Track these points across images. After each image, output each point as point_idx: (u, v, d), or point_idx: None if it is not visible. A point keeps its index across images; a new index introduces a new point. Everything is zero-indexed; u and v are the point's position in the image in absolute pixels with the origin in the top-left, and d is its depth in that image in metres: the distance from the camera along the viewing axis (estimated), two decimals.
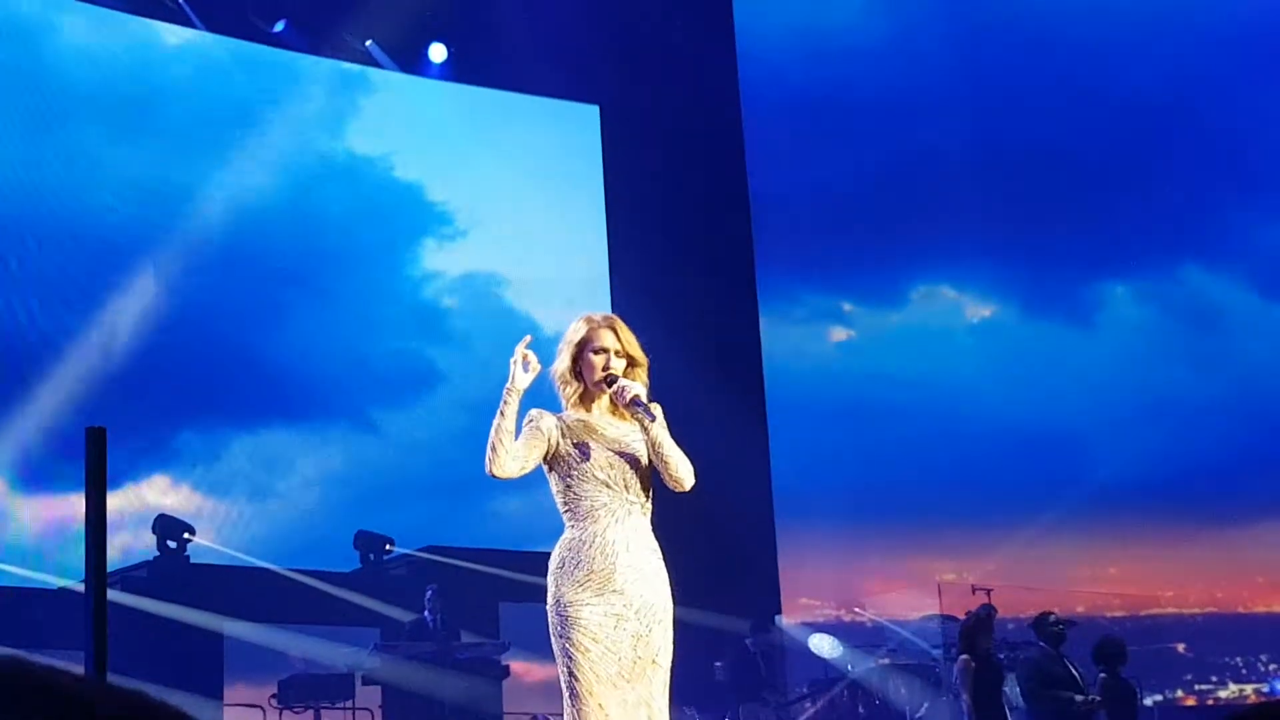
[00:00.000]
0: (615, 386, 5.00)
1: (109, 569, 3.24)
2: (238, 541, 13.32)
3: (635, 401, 4.95)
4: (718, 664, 13.13)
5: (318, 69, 14.66)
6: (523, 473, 4.95)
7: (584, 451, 4.95)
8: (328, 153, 14.72)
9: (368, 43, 14.64)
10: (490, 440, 4.90)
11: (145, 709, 0.90)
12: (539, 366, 4.99)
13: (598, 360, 5.04)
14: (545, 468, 5.03)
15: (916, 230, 16.53)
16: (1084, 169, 16.70)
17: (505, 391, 4.93)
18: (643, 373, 5.11)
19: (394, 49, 14.79)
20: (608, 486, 4.92)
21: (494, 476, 4.93)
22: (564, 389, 5.11)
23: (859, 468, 16.13)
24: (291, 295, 14.50)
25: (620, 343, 5.08)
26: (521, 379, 4.94)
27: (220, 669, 12.43)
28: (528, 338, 5.02)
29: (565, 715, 4.81)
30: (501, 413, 4.90)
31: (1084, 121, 16.62)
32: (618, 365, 5.05)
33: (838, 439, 16.36)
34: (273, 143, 14.14)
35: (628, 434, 5.04)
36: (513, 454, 4.89)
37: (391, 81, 15.01)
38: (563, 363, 5.10)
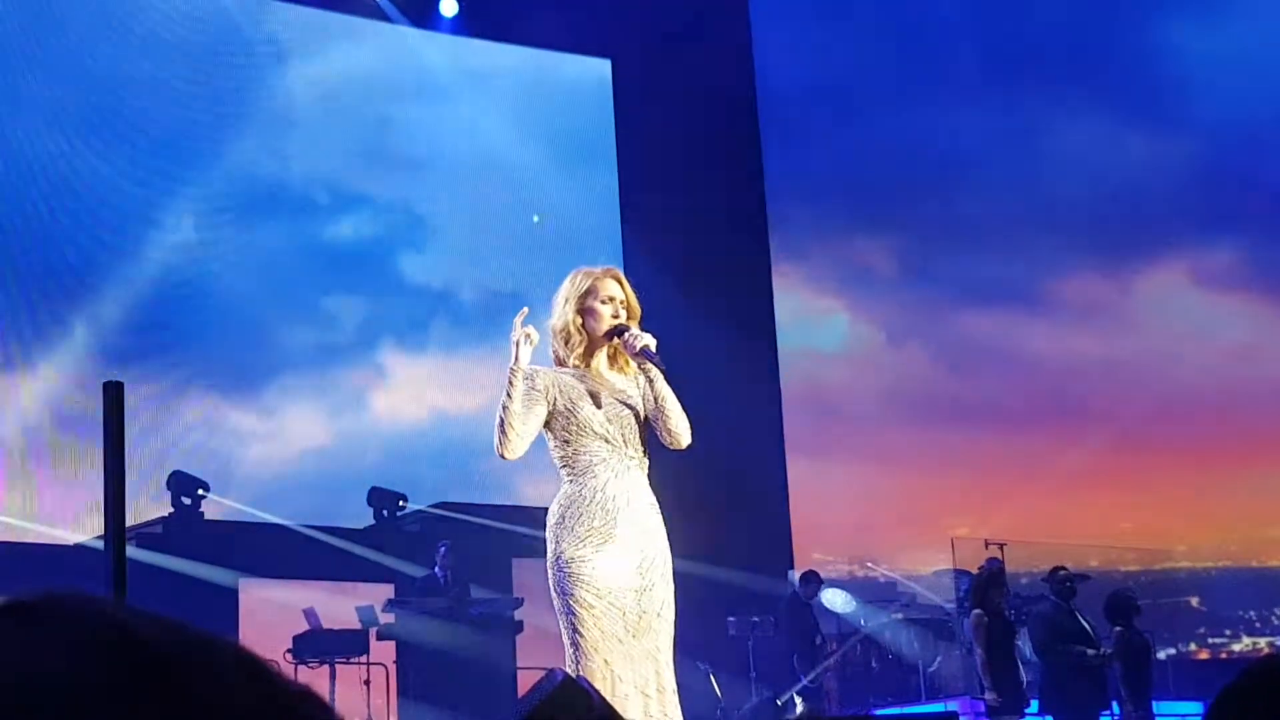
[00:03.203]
0: (625, 336, 4.91)
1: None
2: (251, 498, 13.36)
3: (645, 351, 4.87)
4: (730, 618, 13.15)
5: (325, 21, 14.59)
6: (530, 442, 4.91)
7: (582, 406, 4.86)
8: (333, 107, 14.66)
9: None
10: (500, 422, 4.80)
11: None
12: (538, 338, 4.87)
13: (605, 310, 4.94)
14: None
15: (929, 193, 16.46)
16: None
17: (510, 373, 4.79)
18: (636, 324, 5.01)
19: (404, 3, 14.73)
20: (606, 441, 4.84)
21: (504, 458, 4.85)
22: (565, 344, 4.99)
23: (871, 423, 16.14)
24: (293, 249, 14.49)
25: (624, 292, 5.02)
26: (525, 357, 4.81)
27: (235, 624, 12.47)
28: (524, 310, 4.87)
29: (569, 672, 4.76)
30: (509, 395, 4.78)
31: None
32: (623, 315, 4.98)
33: (850, 394, 16.37)
34: (276, 94, 14.11)
35: (627, 388, 4.96)
36: (522, 435, 4.81)
37: (402, 35, 14.94)
38: (565, 316, 4.98)
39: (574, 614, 4.73)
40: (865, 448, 16.18)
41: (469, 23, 15.10)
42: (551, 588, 4.82)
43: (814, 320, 16.79)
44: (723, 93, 15.74)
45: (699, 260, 14.85)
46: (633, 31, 15.30)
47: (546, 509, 4.97)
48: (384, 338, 14.75)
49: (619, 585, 4.74)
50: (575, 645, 4.73)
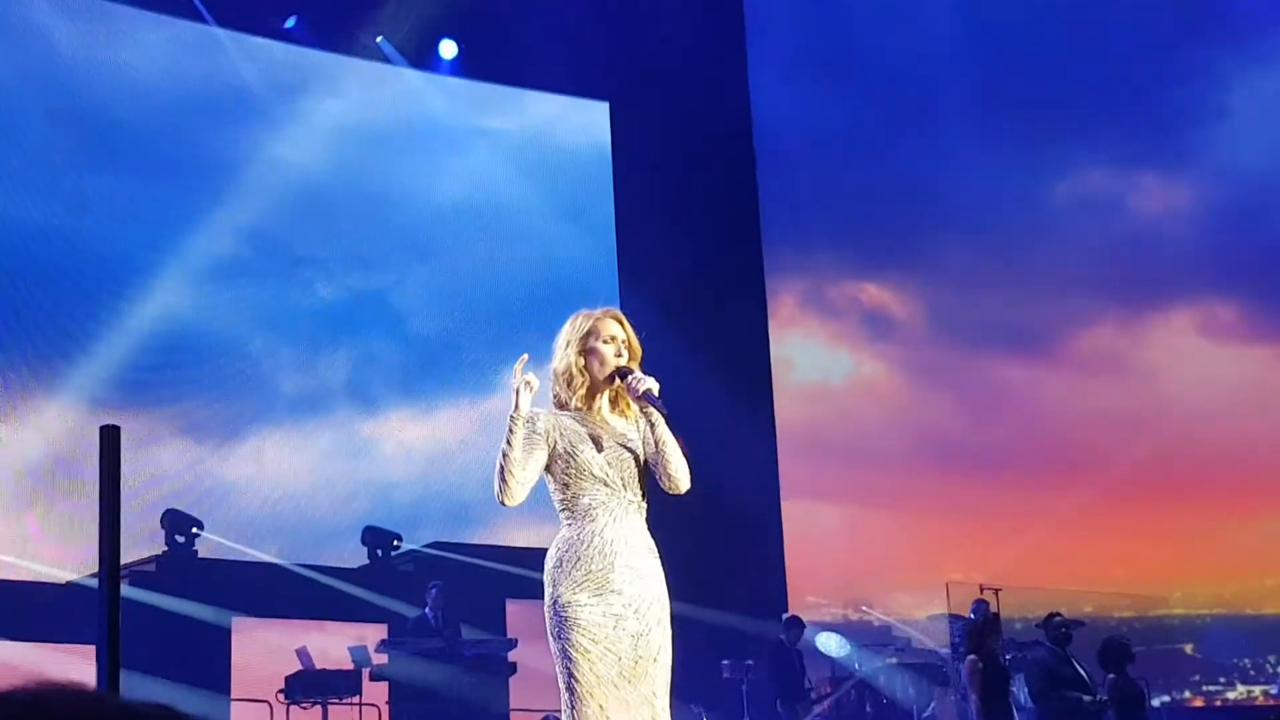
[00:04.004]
0: (629, 379, 4.89)
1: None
2: (245, 536, 13.34)
3: (648, 395, 4.85)
4: (725, 662, 13.12)
5: (323, 62, 14.65)
6: (530, 488, 4.89)
7: (582, 449, 4.84)
8: (334, 148, 14.68)
9: (378, 39, 14.65)
10: (501, 470, 4.78)
11: None
12: (538, 385, 4.84)
13: (607, 350, 4.92)
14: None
15: (929, 236, 16.51)
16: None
17: (510, 420, 4.77)
18: (637, 365, 4.98)
19: (405, 45, 14.80)
20: (606, 485, 4.82)
21: (504, 505, 4.83)
22: (566, 385, 4.96)
23: (867, 467, 16.14)
24: (290, 295, 14.51)
25: (625, 332, 5.01)
26: (526, 404, 4.78)
27: (228, 663, 12.44)
28: (524, 357, 4.83)
29: (564, 717, 4.72)
30: (509, 442, 4.76)
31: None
32: (625, 354, 4.97)
33: (846, 438, 16.38)
34: (278, 137, 14.16)
35: (627, 431, 4.94)
36: (522, 482, 4.79)
37: (398, 79, 15.00)
38: (566, 358, 4.95)
39: (570, 658, 4.71)
40: (861, 492, 16.18)
41: (468, 65, 15.18)
42: (548, 631, 4.80)
43: (810, 364, 16.81)
44: (720, 135, 15.82)
45: (695, 303, 14.88)
46: (631, 74, 15.38)
47: (541, 550, 4.96)
48: (380, 381, 14.73)
49: (616, 630, 4.73)
50: (570, 690, 4.71)
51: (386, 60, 14.78)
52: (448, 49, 15.02)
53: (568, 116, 15.86)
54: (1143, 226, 16.80)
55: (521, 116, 15.64)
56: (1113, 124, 16.62)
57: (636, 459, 4.89)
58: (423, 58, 15.00)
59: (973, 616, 12.79)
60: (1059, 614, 10.66)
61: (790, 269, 16.60)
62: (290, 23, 14.25)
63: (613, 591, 4.74)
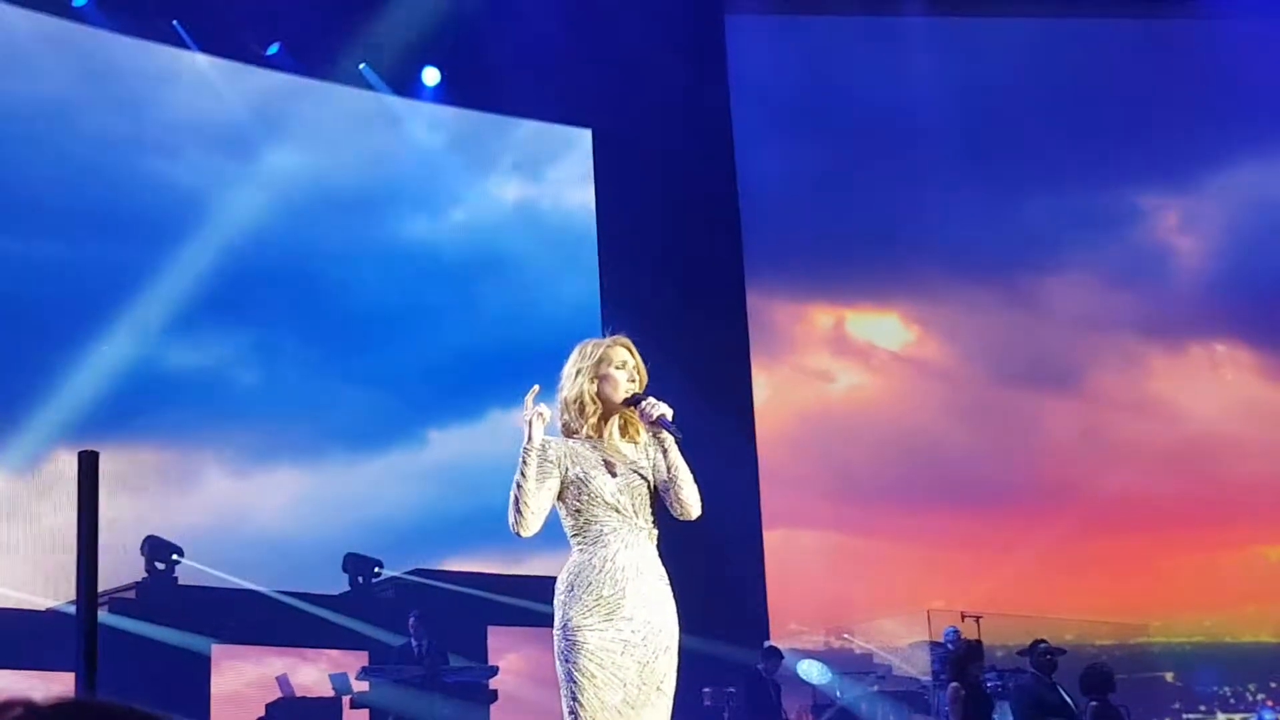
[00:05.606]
0: (642, 405, 4.90)
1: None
2: (226, 563, 13.29)
3: (661, 420, 4.87)
4: (705, 689, 13.10)
5: (306, 91, 14.64)
6: (545, 518, 4.88)
7: (595, 476, 4.85)
8: (316, 175, 14.67)
9: (361, 66, 14.64)
10: (515, 501, 4.78)
11: None
12: (550, 416, 4.87)
13: (620, 375, 4.96)
14: None
15: (909, 266, 16.53)
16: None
17: (524, 452, 4.78)
18: (642, 391, 5.02)
19: (387, 72, 14.80)
20: (617, 511, 4.84)
21: (520, 537, 4.83)
22: (579, 413, 4.96)
23: (849, 496, 16.15)
24: (271, 325, 14.48)
25: (635, 359, 5.04)
26: (539, 436, 4.80)
27: (207, 691, 12.39)
28: (535, 389, 4.83)
29: None
30: (523, 474, 4.77)
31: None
32: (637, 380, 5.00)
33: (829, 466, 16.39)
34: (261, 164, 14.14)
35: (638, 458, 4.95)
36: (536, 513, 4.80)
37: (383, 104, 15.00)
38: (579, 386, 4.96)
39: (575, 683, 4.71)
40: (842, 519, 16.18)
41: (451, 92, 15.19)
42: (555, 655, 4.80)
43: (792, 393, 16.81)
44: (703, 162, 15.82)
45: (677, 330, 14.86)
46: (614, 102, 15.38)
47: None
48: (360, 409, 14.71)
49: (623, 655, 4.73)
50: (574, 714, 4.71)
51: (370, 87, 14.77)
52: (430, 76, 15.02)
53: (550, 146, 15.85)
54: (1139, 257, 16.83)
55: (503, 146, 15.64)
56: (1112, 157, 16.60)
57: (648, 485, 4.92)
58: (406, 85, 15.00)
59: (946, 643, 12.81)
60: (1044, 641, 10.66)
61: (773, 298, 16.62)
62: (273, 49, 14.24)
63: (623, 617, 4.75)
